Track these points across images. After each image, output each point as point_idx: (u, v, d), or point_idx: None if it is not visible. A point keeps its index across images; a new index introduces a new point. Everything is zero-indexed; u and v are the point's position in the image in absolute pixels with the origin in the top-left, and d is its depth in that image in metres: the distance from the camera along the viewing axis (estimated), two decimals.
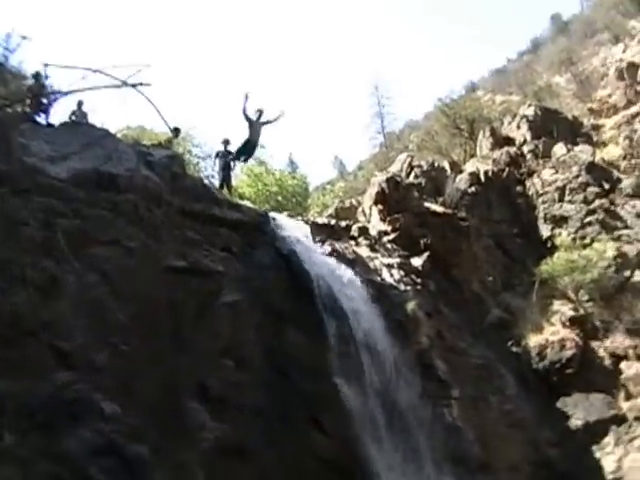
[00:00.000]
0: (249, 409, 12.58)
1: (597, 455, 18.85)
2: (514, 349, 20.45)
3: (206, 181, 19.62)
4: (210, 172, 23.51)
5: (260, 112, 20.72)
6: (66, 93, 16.18)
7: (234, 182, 22.57)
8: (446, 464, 15.89)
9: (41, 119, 15.74)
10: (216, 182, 21.34)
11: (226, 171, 21.29)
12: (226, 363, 12.81)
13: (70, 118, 17.64)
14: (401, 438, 15.27)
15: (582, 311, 21.25)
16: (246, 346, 13.42)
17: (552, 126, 27.13)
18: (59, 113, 17.72)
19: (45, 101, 16.01)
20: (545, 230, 23.84)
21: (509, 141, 27.44)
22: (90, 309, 10.91)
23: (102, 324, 10.90)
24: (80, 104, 17.86)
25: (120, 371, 10.57)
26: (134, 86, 14.10)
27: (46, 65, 15.55)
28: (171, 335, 12.04)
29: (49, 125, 15.49)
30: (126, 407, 10.15)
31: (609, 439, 19.12)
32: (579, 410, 19.51)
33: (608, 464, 18.58)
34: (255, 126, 20.66)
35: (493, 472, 17.25)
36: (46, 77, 16.07)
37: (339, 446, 13.65)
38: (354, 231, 20.81)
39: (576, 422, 19.29)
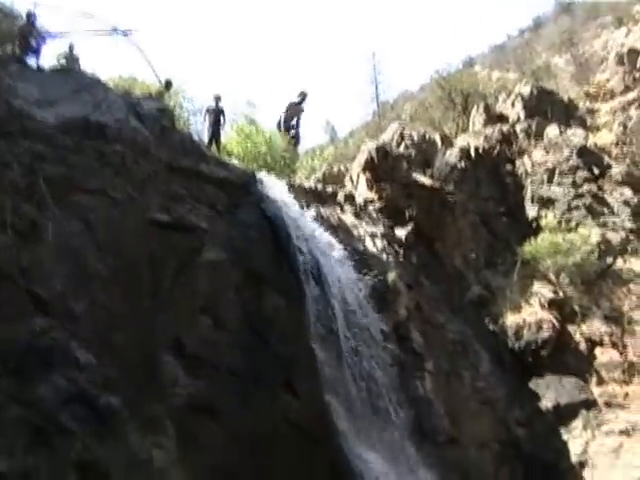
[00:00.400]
0: (224, 368, 12.63)
1: (565, 437, 19.23)
2: (491, 327, 20.67)
3: (195, 137, 19.52)
4: (200, 127, 23.34)
5: (304, 95, 21.02)
6: (57, 35, 16.07)
7: (223, 139, 22.50)
8: (415, 436, 16.16)
9: (31, 61, 15.58)
10: (205, 138, 21.27)
11: (216, 127, 21.22)
12: (204, 321, 12.86)
13: (59, 61, 17.46)
14: (373, 408, 15.50)
15: (562, 294, 21.47)
16: (225, 306, 13.46)
17: (547, 107, 27.12)
18: (47, 57, 17.56)
19: (35, 43, 15.84)
20: (531, 211, 23.96)
21: (502, 118, 27.41)
22: (70, 257, 10.91)
23: (82, 273, 10.90)
24: (71, 48, 17.66)
25: (97, 321, 10.61)
26: (125, 34, 14.01)
27: (36, 5, 15.44)
28: (151, 289, 12.07)
29: (39, 68, 15.33)
30: (101, 357, 10.21)
31: (578, 423, 19.47)
32: (550, 392, 19.84)
33: (575, 447, 18.97)
34: (290, 108, 20.96)
35: (461, 447, 17.54)
36: (34, 17, 15.90)
37: (311, 412, 13.77)
38: (340, 197, 20.83)
39: (547, 404, 19.62)
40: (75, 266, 10.85)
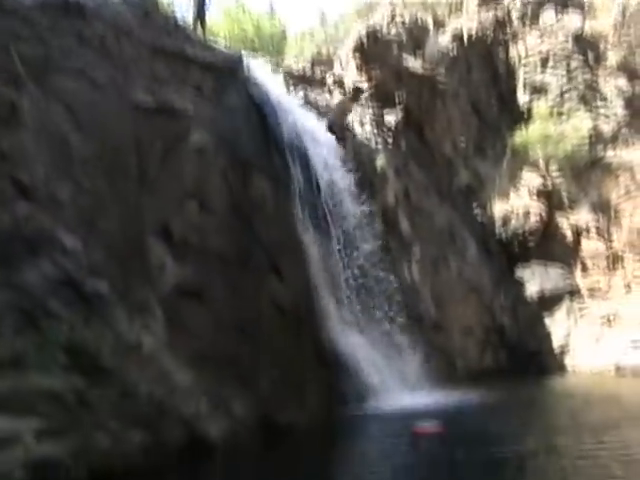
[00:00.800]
0: (211, 254, 12.71)
1: (547, 325, 19.75)
2: (479, 215, 20.83)
3: (179, 19, 18.91)
4: (184, 9, 22.62)
5: None
6: None
7: (209, 21, 21.85)
8: (402, 321, 16.51)
9: None
10: (190, 20, 20.61)
11: (201, 9, 20.51)
12: (190, 206, 12.79)
13: None
14: (360, 294, 15.75)
15: (550, 184, 21.55)
16: (211, 190, 13.39)
17: None
18: None
19: None
20: (523, 99, 23.67)
21: (497, 1, 26.63)
22: (52, 142, 10.64)
23: (65, 158, 10.68)
24: None
25: (83, 207, 10.47)
26: None
27: None
28: (136, 174, 11.90)
29: None
30: (87, 243, 10.14)
31: (561, 310, 19.99)
32: (535, 280, 20.26)
33: (557, 334, 19.52)
34: None
35: (446, 333, 18.00)
36: None
37: (296, 295, 14.05)
38: (329, 82, 20.48)
39: (531, 291, 20.09)
40: (58, 151, 10.62)
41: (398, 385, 15.14)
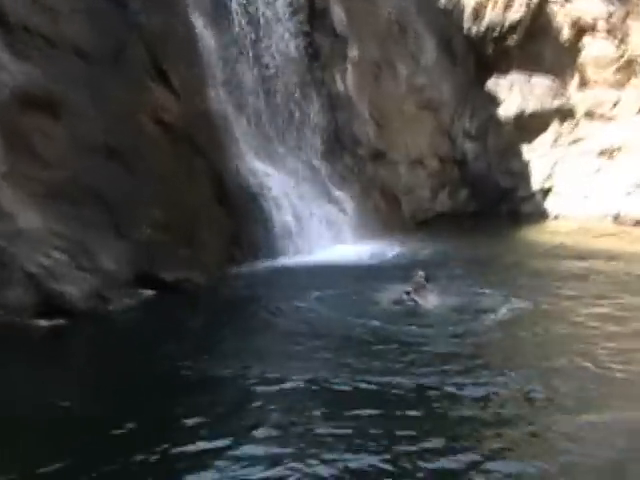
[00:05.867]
0: (66, 46, 12.20)
1: (526, 157, 20.32)
2: (441, 3, 20.79)
3: None
4: None
5: None
6: None
7: None
8: (330, 148, 16.80)
9: None
10: None
11: None
12: None
13: None
14: (275, 110, 15.90)
15: None
16: None
17: None
18: None
19: None
20: None
21: None
22: None
23: None
24: None
25: None
26: None
27: None
28: None
29: None
30: None
31: (546, 138, 20.42)
32: (514, 95, 20.65)
33: (539, 169, 20.02)
34: None
35: (389, 164, 18.38)
36: None
37: (189, 109, 13.84)
38: None
39: (507, 111, 20.45)
40: None
41: (322, 233, 15.73)
